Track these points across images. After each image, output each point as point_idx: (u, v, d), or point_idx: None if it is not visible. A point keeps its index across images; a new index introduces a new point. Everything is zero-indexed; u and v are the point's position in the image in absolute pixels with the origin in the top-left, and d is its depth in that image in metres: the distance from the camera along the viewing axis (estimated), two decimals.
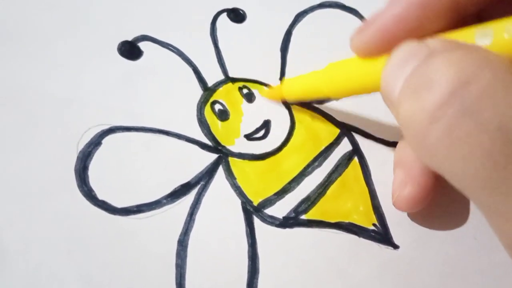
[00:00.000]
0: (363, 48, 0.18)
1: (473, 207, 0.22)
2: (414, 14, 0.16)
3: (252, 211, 0.21)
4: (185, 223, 0.21)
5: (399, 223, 0.22)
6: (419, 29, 0.17)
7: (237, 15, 0.27)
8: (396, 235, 0.22)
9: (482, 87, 0.12)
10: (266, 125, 0.24)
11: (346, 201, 0.22)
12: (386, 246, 0.21)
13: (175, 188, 0.21)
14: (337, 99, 0.22)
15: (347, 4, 0.28)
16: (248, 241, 0.21)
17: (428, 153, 0.14)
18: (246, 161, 0.23)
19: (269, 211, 0.22)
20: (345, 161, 0.23)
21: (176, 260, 0.20)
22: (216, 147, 0.23)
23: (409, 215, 0.22)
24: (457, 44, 0.14)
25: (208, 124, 0.23)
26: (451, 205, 0.22)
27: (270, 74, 0.26)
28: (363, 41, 0.18)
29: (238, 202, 0.22)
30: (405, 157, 0.21)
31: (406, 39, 0.16)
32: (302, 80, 0.23)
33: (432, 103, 0.13)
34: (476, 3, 0.16)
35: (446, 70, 0.13)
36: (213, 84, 0.25)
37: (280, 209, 0.22)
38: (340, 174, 0.23)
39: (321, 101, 0.25)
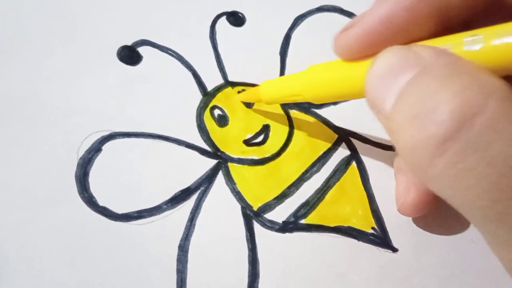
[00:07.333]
0: (346, 50, 0.17)
1: None
2: (401, 16, 0.16)
3: (252, 216, 0.22)
4: (185, 228, 0.21)
5: (398, 227, 0.22)
6: (405, 33, 0.16)
7: (236, 19, 0.27)
8: (395, 238, 0.22)
9: (487, 120, 0.12)
10: (265, 130, 0.24)
11: (345, 205, 0.22)
12: (385, 250, 0.21)
13: (175, 194, 0.22)
14: (316, 102, 0.22)
15: (345, 8, 0.28)
16: (248, 245, 0.21)
17: (431, 182, 0.13)
18: (246, 166, 0.23)
19: (268, 215, 0.22)
20: (343, 166, 0.23)
21: (177, 266, 0.20)
22: (215, 152, 0.23)
23: (414, 220, 0.22)
24: (455, 63, 0.13)
25: (207, 130, 0.24)
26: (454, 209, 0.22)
27: (270, 78, 0.25)
28: (346, 42, 0.17)
29: (238, 207, 0.22)
30: None
31: (391, 43, 0.15)
32: (281, 83, 0.22)
33: (437, 136, 0.12)
34: (462, 12, 0.16)
35: (451, 100, 0.12)
36: (213, 89, 0.25)
37: (279, 214, 0.22)
38: (338, 179, 0.23)
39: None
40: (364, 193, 0.23)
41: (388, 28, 0.16)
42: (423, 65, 0.13)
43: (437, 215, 0.22)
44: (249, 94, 0.24)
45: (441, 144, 0.12)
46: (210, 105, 0.24)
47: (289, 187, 0.22)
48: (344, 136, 0.24)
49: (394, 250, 0.21)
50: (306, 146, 0.24)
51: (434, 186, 0.13)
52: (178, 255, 0.20)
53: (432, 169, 0.13)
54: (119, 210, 0.21)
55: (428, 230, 0.22)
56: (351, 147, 0.24)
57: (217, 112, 0.24)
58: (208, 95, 0.25)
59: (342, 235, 0.22)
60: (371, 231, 0.22)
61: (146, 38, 0.26)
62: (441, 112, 0.12)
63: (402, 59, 0.14)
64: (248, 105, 0.25)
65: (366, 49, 0.17)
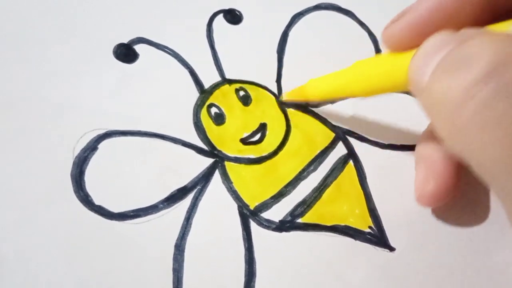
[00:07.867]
0: (395, 40, 0.18)
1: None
2: (450, 4, 0.16)
3: (248, 215, 0.22)
4: (181, 227, 0.21)
5: (395, 226, 0.22)
6: (454, 21, 0.16)
7: (233, 16, 0.27)
8: (392, 237, 0.22)
9: None
10: (262, 129, 0.24)
11: (342, 204, 0.22)
12: (382, 249, 0.21)
13: (172, 193, 0.22)
14: (366, 97, 0.21)
15: (343, 6, 0.28)
16: (244, 245, 0.21)
17: (457, 134, 0.13)
18: (242, 165, 0.23)
19: (265, 215, 0.22)
20: (340, 164, 0.23)
21: (173, 265, 0.20)
22: (212, 151, 0.23)
23: (433, 211, 0.22)
24: (494, 31, 0.14)
25: (204, 129, 0.23)
26: (473, 199, 0.22)
27: (267, 76, 0.25)
28: (396, 32, 0.18)
29: (234, 206, 0.22)
30: (427, 153, 0.21)
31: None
32: (329, 80, 0.22)
33: (468, 79, 0.12)
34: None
35: (485, 48, 0.12)
36: (210, 86, 0.25)
37: (276, 213, 0.22)
38: (335, 178, 0.23)
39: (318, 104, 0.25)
40: (361, 192, 0.23)
41: (437, 17, 0.16)
42: (465, 37, 0.14)
43: (461, 206, 0.22)
44: (295, 93, 0.24)
45: (472, 87, 0.12)
46: (207, 103, 0.24)
47: (286, 186, 0.22)
48: (341, 135, 0.24)
49: (391, 249, 0.21)
50: (303, 145, 0.24)
51: (458, 142, 0.13)
52: (174, 254, 0.20)
53: (460, 117, 0.13)
54: (115, 209, 0.21)
55: (452, 223, 0.22)
56: (348, 146, 0.24)
57: (214, 110, 0.24)
58: (205, 93, 0.24)
59: (339, 234, 0.22)
60: (368, 230, 0.22)
61: (143, 36, 0.26)
62: (475, 58, 0.12)
63: (444, 38, 0.14)
64: (245, 102, 0.24)
65: (415, 39, 0.17)
